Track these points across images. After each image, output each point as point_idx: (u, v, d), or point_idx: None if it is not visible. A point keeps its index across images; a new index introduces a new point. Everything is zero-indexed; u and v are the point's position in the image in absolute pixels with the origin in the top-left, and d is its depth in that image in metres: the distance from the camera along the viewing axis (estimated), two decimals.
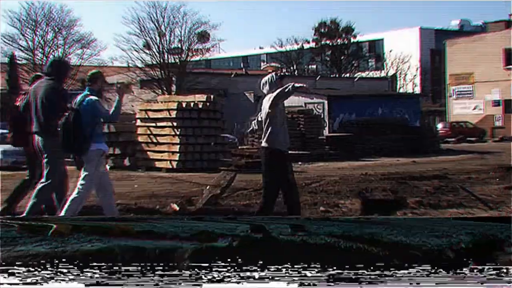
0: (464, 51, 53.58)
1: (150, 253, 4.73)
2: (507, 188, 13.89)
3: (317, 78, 51.20)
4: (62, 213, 7.92)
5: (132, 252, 4.66)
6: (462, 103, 53.80)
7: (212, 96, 21.94)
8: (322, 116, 32.81)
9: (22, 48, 47.69)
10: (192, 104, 21.28)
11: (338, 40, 66.14)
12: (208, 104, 21.46)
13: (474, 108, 52.90)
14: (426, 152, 28.88)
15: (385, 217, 8.02)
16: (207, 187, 11.42)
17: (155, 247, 4.83)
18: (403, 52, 64.88)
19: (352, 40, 66.76)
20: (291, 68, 66.04)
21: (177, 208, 10.19)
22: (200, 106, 21.34)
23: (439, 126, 46.96)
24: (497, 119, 50.95)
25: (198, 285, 4.39)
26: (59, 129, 7.79)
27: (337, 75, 62.99)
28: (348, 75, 63.60)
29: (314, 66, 68.90)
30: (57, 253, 4.58)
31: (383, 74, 64.54)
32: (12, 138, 9.52)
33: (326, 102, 33.85)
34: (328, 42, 66.37)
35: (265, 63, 76.83)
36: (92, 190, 8.34)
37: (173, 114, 20.84)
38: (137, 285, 4.39)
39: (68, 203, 7.95)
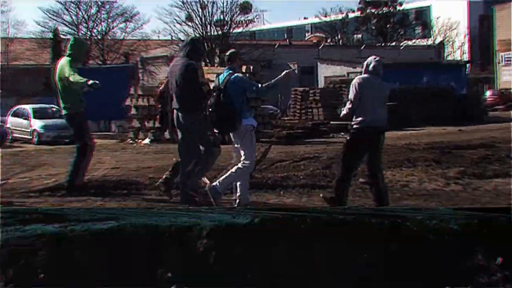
0: None
1: (166, 230, 4.49)
2: None
3: (362, 48, 50.42)
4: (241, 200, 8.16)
5: (145, 230, 4.42)
6: (511, 69, 52.37)
7: (251, 67, 21.69)
8: None
9: (67, 23, 47.96)
10: None
11: (384, 9, 64.98)
12: (247, 75, 21.19)
13: None
14: (473, 121, 28.22)
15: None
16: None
17: (170, 225, 4.59)
18: (451, 19, 63.53)
19: (398, 8, 65.54)
20: (336, 38, 65.27)
21: (208, 182, 9.96)
22: None
23: (488, 93, 45.90)
24: None
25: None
26: (209, 109, 8.05)
27: (382, 44, 62.00)
28: (394, 43, 62.52)
29: (359, 36, 67.92)
30: (65, 233, 4.38)
31: (430, 42, 63.26)
32: (160, 119, 10.08)
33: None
34: (373, 10, 65.27)
35: (310, 33, 76.15)
36: (253, 163, 8.58)
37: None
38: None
39: (230, 174, 8.23)
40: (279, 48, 47.58)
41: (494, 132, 22.54)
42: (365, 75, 8.36)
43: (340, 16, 65.55)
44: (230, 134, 8.42)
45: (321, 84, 36.24)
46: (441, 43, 63.10)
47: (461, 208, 6.34)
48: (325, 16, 66.37)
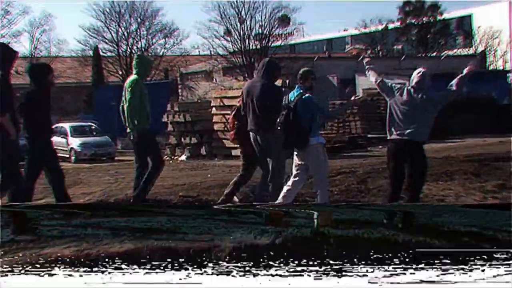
0: None
1: (182, 253, 4.41)
2: None
3: (402, 58, 49.94)
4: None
5: (162, 252, 4.36)
6: None
7: (287, 81, 21.64)
8: None
9: (107, 41, 48.55)
10: None
11: (424, 18, 64.34)
12: (283, 88, 21.11)
13: None
14: None
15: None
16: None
17: (189, 248, 4.51)
18: (493, 27, 62.57)
19: (439, 17, 64.80)
20: (376, 49, 64.78)
21: (238, 200, 9.88)
22: None
23: None
24: None
25: None
26: (278, 128, 8.24)
27: (423, 55, 61.36)
28: (435, 54, 61.78)
29: (400, 46, 67.28)
30: (81, 256, 4.33)
31: (471, 51, 62.37)
32: (235, 136, 10.07)
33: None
34: (413, 21, 64.66)
35: (350, 45, 75.78)
36: (327, 179, 8.89)
37: None
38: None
39: (320, 195, 8.43)
40: (318, 61, 47.29)
41: None
42: (407, 87, 8.45)
43: (380, 27, 65.06)
44: (296, 151, 8.50)
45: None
46: (483, 52, 62.15)
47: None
48: (365, 28, 65.93)
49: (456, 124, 28.03)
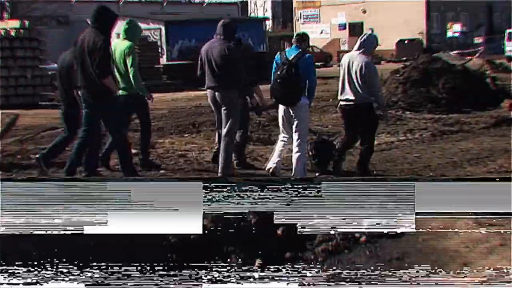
0: None
1: None
2: None
3: (165, 4, 48.88)
4: (297, 174, 8.20)
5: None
6: (309, 27, 52.83)
7: (27, 22, 20.09)
8: (159, 44, 31.24)
9: None
10: (3, 32, 19.31)
11: None
12: (22, 31, 19.54)
13: (321, 32, 52.98)
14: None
15: None
16: None
17: None
18: None
19: None
20: None
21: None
22: (13, 34, 19.38)
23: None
24: (343, 42, 50.55)
25: (198, 285, 4.31)
26: (278, 80, 8.25)
27: (186, 0, 60.77)
28: (198, 0, 61.43)
29: None
30: None
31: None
32: None
33: (163, 28, 32.04)
34: None
35: None
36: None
37: None
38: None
39: (296, 164, 8.31)
40: (78, 3, 44.58)
41: None
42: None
43: None
44: (283, 109, 8.46)
45: None
46: (245, 1, 62.97)
47: None
48: None
49: None
